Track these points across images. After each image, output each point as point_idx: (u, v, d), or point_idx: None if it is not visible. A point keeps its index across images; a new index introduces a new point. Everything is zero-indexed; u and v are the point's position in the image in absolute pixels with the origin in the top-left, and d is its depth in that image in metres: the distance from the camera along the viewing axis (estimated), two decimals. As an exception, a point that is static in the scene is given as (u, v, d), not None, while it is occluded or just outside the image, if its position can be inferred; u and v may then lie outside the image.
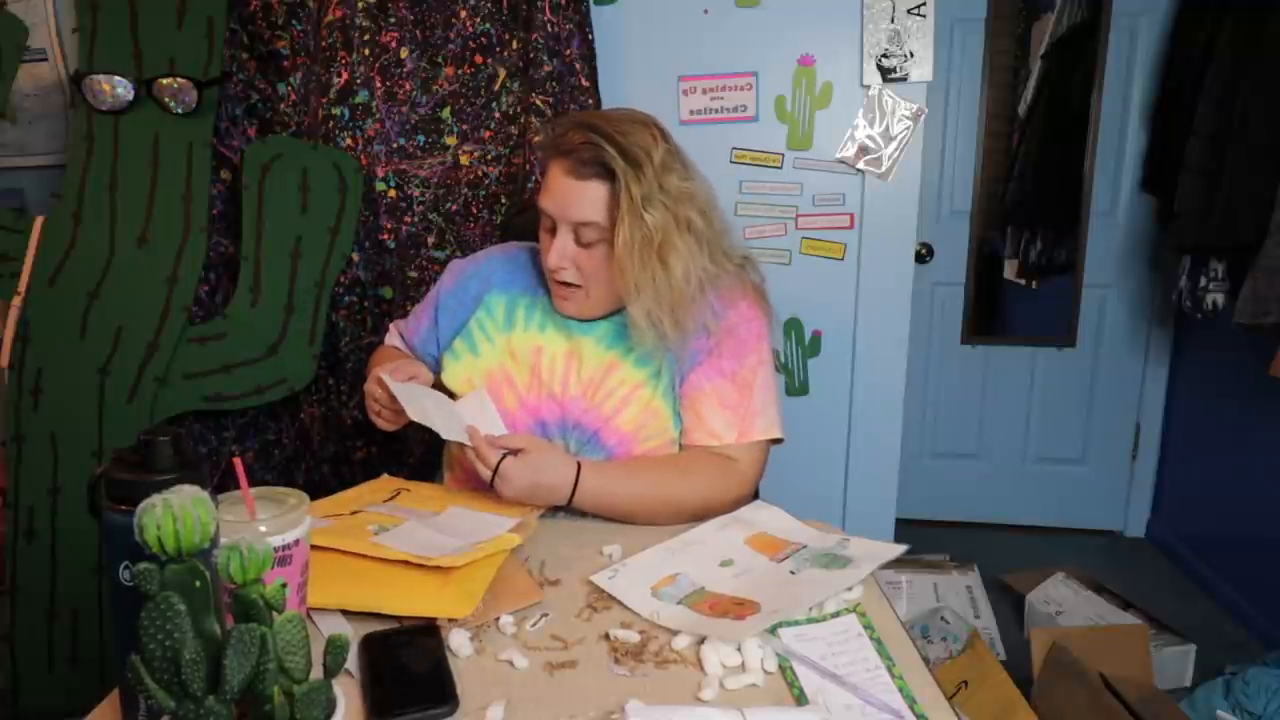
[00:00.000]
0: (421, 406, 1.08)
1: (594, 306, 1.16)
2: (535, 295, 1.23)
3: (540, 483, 1.04)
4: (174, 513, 0.50)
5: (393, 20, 1.81)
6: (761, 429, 1.16)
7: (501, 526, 0.97)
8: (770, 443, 1.19)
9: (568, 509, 1.08)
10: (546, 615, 0.84)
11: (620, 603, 0.86)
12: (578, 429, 1.15)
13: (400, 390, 1.09)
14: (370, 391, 1.15)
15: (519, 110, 1.84)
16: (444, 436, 1.07)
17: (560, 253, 1.11)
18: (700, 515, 1.06)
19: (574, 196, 1.08)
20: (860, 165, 1.93)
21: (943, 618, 2.06)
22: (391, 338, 1.37)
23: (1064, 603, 2.21)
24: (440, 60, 1.83)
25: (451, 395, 1.20)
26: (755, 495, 1.20)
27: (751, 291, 1.20)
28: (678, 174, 1.10)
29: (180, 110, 1.69)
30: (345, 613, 0.84)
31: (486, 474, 1.03)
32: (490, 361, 1.20)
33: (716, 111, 1.95)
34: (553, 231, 1.12)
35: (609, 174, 1.07)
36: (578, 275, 1.12)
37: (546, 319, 1.20)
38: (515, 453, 1.04)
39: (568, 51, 1.80)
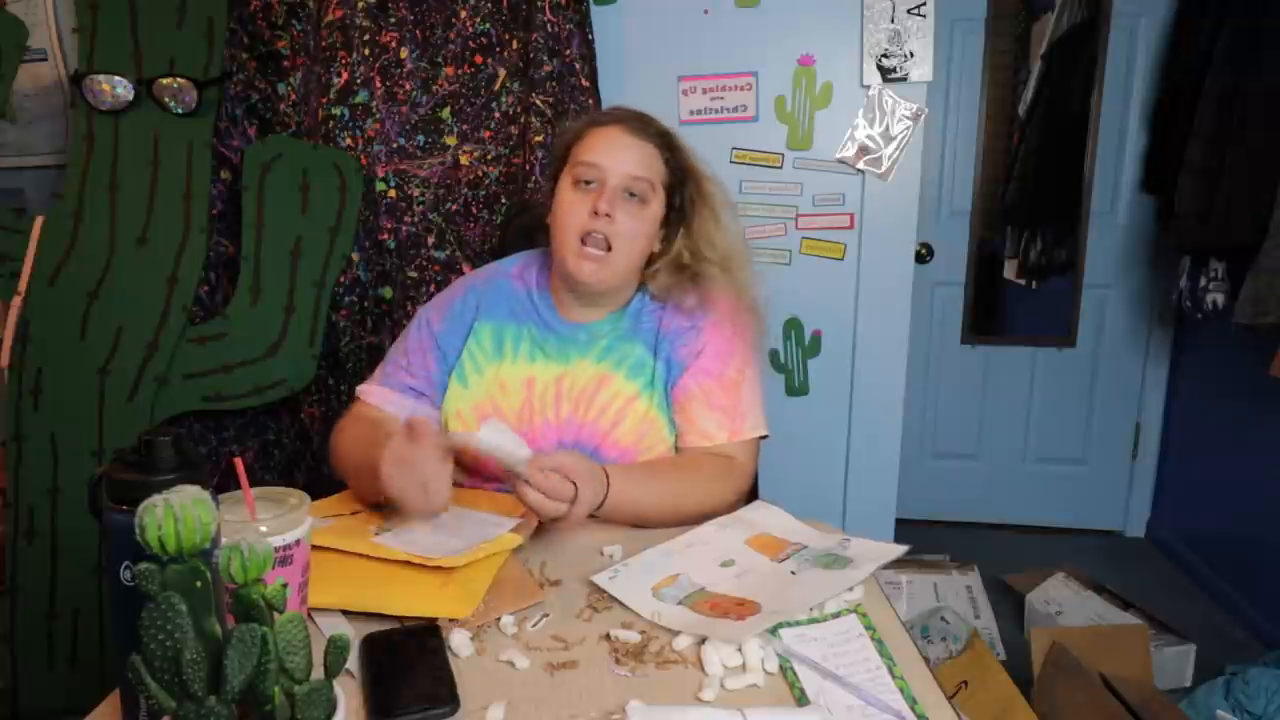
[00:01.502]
0: (483, 443, 0.95)
1: (612, 276, 1.13)
2: (522, 324, 1.19)
3: (594, 499, 0.98)
4: (175, 513, 0.50)
5: (393, 20, 1.81)
6: (751, 427, 1.16)
7: (502, 527, 0.97)
8: (758, 439, 1.19)
9: None
10: (547, 616, 0.84)
11: (621, 603, 0.86)
12: (576, 447, 1.13)
13: (463, 439, 0.97)
14: (422, 465, 0.93)
15: (519, 110, 1.84)
16: (513, 466, 0.95)
17: (612, 203, 1.10)
18: (707, 515, 1.06)
19: (633, 152, 1.12)
20: (860, 165, 1.93)
21: (943, 618, 2.06)
22: (380, 401, 1.20)
23: (1064, 603, 2.21)
24: (440, 60, 1.83)
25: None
26: (755, 495, 1.20)
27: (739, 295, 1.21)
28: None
29: (180, 110, 1.69)
30: (346, 613, 0.84)
31: (560, 508, 0.93)
32: (478, 394, 1.17)
33: (716, 111, 1.95)
34: (590, 186, 1.12)
35: (663, 138, 1.15)
36: (615, 232, 1.10)
37: (536, 349, 1.18)
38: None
39: (568, 51, 1.80)
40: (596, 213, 1.10)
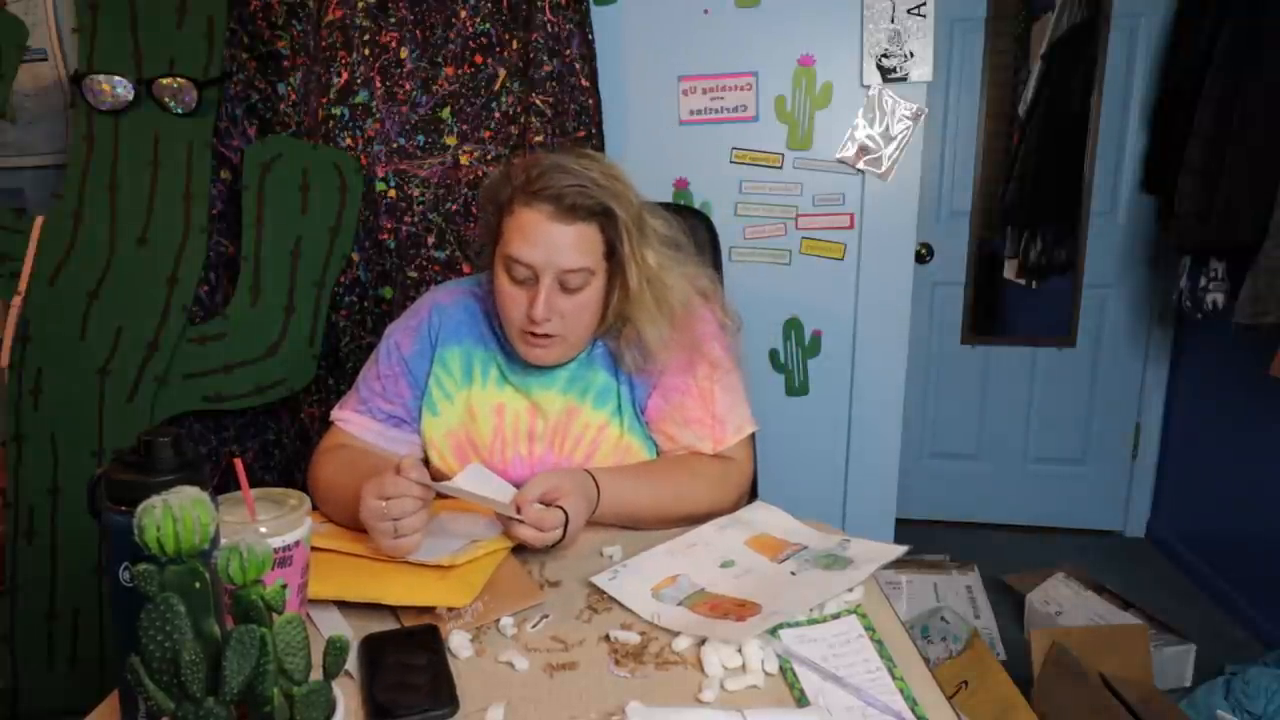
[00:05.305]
0: (469, 493, 0.97)
1: (570, 351, 1.11)
2: (489, 348, 1.17)
3: (586, 511, 0.99)
4: (174, 514, 0.50)
5: (393, 20, 1.81)
6: (735, 429, 1.15)
7: (497, 527, 0.97)
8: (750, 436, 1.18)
9: None
10: (547, 617, 0.84)
11: (620, 604, 0.86)
12: None
13: (447, 488, 0.96)
14: (393, 510, 0.88)
15: (519, 110, 1.84)
16: (499, 510, 0.96)
17: (549, 305, 1.04)
18: (707, 515, 1.06)
19: (564, 242, 1.03)
20: (860, 165, 1.93)
21: (943, 618, 2.06)
22: (359, 430, 1.16)
23: (1064, 603, 2.21)
24: (440, 60, 1.83)
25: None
26: (755, 495, 1.19)
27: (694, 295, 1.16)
28: (631, 189, 1.08)
29: (180, 110, 1.68)
30: (345, 614, 0.84)
31: (555, 535, 0.93)
32: (450, 421, 1.15)
33: (716, 111, 1.94)
34: (524, 282, 1.06)
35: (599, 214, 1.04)
36: (560, 324, 1.06)
37: (503, 377, 1.16)
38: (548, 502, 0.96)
39: (568, 51, 1.79)
40: (534, 318, 1.04)
